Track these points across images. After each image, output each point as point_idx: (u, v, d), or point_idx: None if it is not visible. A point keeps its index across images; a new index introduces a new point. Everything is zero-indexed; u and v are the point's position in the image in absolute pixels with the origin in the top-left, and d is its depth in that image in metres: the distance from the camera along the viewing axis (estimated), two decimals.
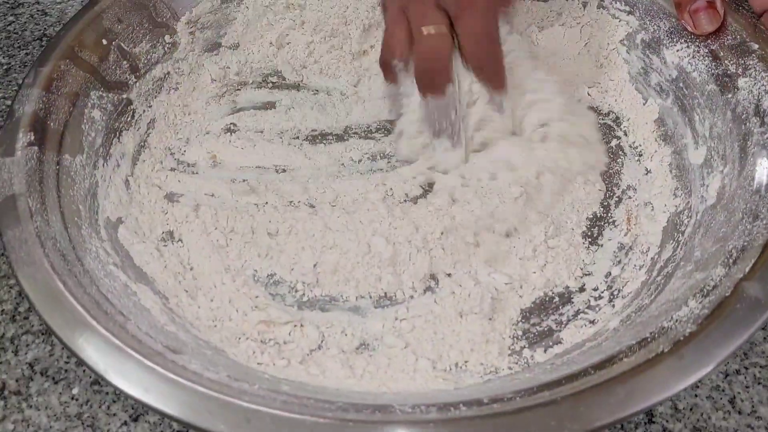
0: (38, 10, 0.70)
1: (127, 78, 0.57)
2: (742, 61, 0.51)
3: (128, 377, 0.37)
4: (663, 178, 0.53)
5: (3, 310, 0.49)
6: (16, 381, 0.45)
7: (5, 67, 0.65)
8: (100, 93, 0.54)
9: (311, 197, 0.53)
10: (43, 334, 0.47)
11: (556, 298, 0.47)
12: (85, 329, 0.39)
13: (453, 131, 0.52)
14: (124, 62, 0.57)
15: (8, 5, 0.70)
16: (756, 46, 0.51)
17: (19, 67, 0.65)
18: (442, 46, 0.50)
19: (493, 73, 0.51)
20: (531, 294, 0.47)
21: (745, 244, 0.41)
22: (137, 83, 0.57)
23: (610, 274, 0.49)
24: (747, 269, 0.39)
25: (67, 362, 0.46)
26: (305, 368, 0.43)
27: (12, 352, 0.47)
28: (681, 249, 0.47)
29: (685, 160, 0.53)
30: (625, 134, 0.57)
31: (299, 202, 0.53)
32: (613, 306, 0.46)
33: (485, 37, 0.50)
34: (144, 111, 0.57)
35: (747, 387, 0.44)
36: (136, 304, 0.44)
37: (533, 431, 0.34)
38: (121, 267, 0.47)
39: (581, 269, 0.49)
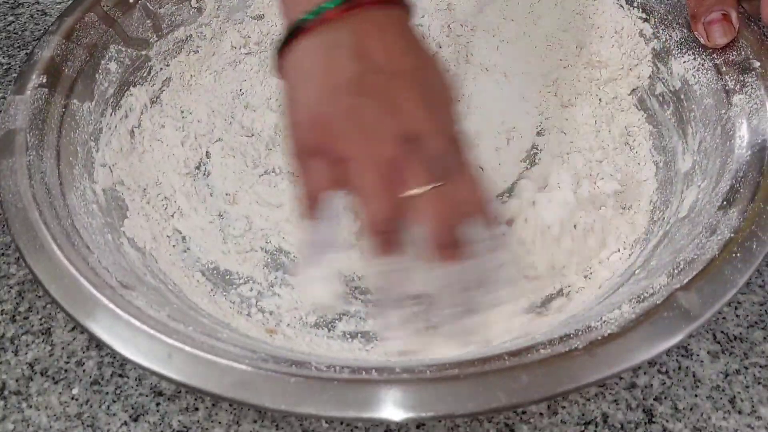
0: (38, 10, 0.71)
1: (148, 36, 0.60)
2: (742, 78, 0.50)
3: (76, 303, 0.40)
4: (649, 189, 0.53)
5: (3, 311, 0.49)
6: (16, 381, 0.45)
7: (5, 67, 0.66)
8: (120, 47, 0.57)
9: None
10: (43, 333, 0.48)
11: None
12: (47, 255, 0.42)
13: None
14: (148, 21, 0.60)
15: (8, 5, 0.71)
16: (757, 64, 0.49)
17: (19, 67, 0.64)
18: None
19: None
20: None
21: (695, 256, 0.41)
22: (158, 42, 0.60)
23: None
24: (686, 280, 0.39)
25: (67, 362, 0.46)
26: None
27: (12, 352, 0.47)
28: (641, 257, 0.46)
29: (672, 171, 0.52)
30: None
31: None
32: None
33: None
34: (161, 69, 0.60)
35: (747, 387, 0.44)
36: (108, 242, 0.47)
37: (431, 402, 0.35)
38: (105, 208, 0.50)
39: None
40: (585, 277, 0.48)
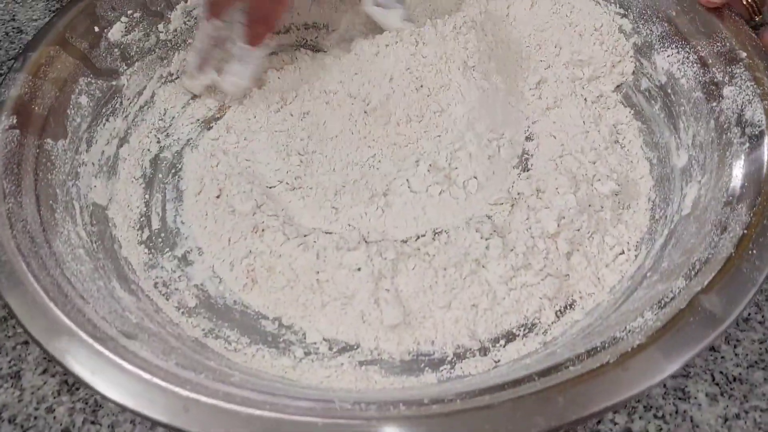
0: (14, 28, 0.67)
1: (117, 65, 0.57)
2: (729, 69, 0.50)
3: (78, 359, 0.37)
4: (645, 186, 0.52)
5: None
6: None
7: None
8: (89, 79, 0.55)
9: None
10: (12, 377, 0.45)
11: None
12: (42, 311, 0.39)
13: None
14: (116, 50, 0.57)
15: None
16: (744, 55, 0.49)
17: None
18: None
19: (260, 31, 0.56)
20: None
21: (709, 256, 0.40)
22: (128, 71, 0.58)
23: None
24: (706, 282, 0.38)
25: (36, 408, 0.44)
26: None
27: None
28: (651, 259, 0.46)
29: (667, 167, 0.52)
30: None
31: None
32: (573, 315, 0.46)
33: None
34: (133, 99, 0.58)
35: None
36: (101, 289, 0.44)
37: None
38: (93, 251, 0.47)
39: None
40: (593, 282, 0.47)
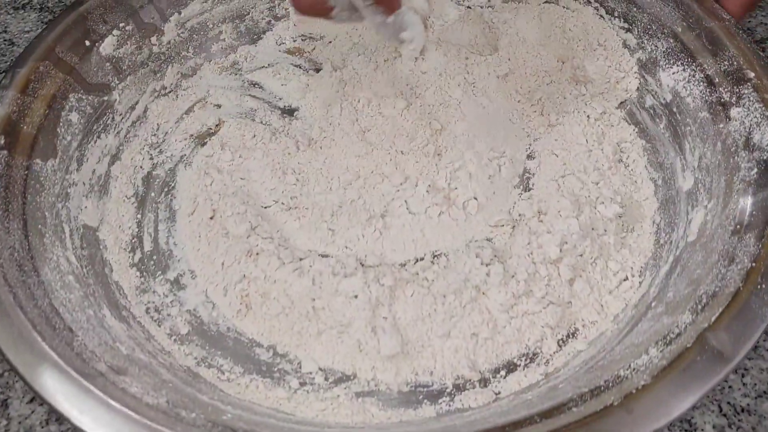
0: (5, 40, 0.65)
1: (109, 80, 0.56)
2: (737, 90, 0.48)
3: (66, 397, 0.36)
4: (650, 208, 0.51)
5: None
6: None
7: None
8: (80, 95, 0.53)
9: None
10: None
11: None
12: (29, 346, 0.38)
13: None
14: (107, 64, 0.56)
15: None
16: (752, 75, 0.48)
17: None
18: None
19: None
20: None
21: (717, 289, 0.39)
22: (120, 85, 0.56)
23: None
24: (713, 318, 0.37)
25: None
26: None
27: None
28: (655, 287, 0.45)
29: (672, 189, 0.50)
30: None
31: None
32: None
33: None
34: (125, 114, 0.57)
35: None
36: (90, 318, 0.43)
37: None
38: (83, 277, 0.46)
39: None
40: (596, 310, 0.46)
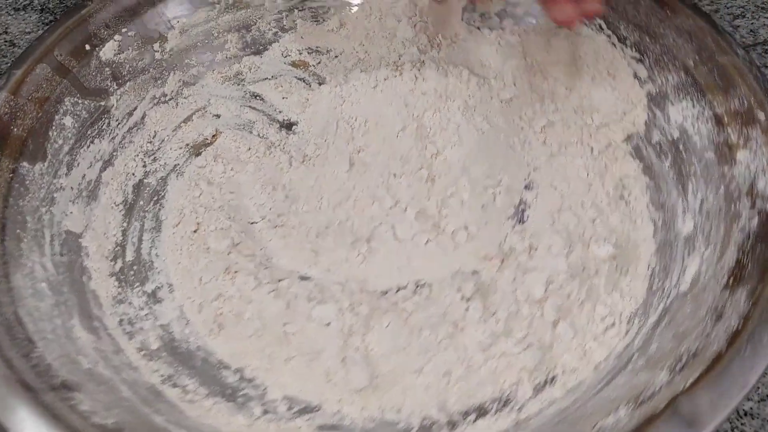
0: (6, 41, 0.66)
1: (107, 85, 0.56)
2: (745, 131, 0.46)
3: (8, 410, 0.36)
4: (647, 251, 0.49)
5: None
6: None
7: None
8: (76, 99, 0.53)
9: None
10: None
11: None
12: None
13: None
14: (107, 69, 0.56)
15: None
16: (762, 116, 0.45)
17: None
18: None
19: None
20: None
21: (699, 348, 0.37)
22: (118, 91, 0.56)
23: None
24: (690, 381, 0.35)
25: None
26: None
27: None
28: (641, 337, 0.43)
29: (671, 233, 0.48)
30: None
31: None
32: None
33: None
34: (122, 120, 0.56)
35: None
36: (57, 328, 0.42)
37: None
38: (57, 284, 0.46)
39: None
40: (578, 356, 0.44)
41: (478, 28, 0.62)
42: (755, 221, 0.42)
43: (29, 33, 0.65)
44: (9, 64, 0.59)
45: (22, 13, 0.66)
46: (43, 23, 0.65)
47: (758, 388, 0.43)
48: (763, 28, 0.62)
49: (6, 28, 0.64)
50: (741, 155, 0.45)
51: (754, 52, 0.56)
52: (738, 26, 0.61)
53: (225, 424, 0.42)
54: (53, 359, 0.40)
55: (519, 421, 0.41)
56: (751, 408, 0.42)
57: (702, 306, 0.40)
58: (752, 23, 0.62)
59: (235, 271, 0.48)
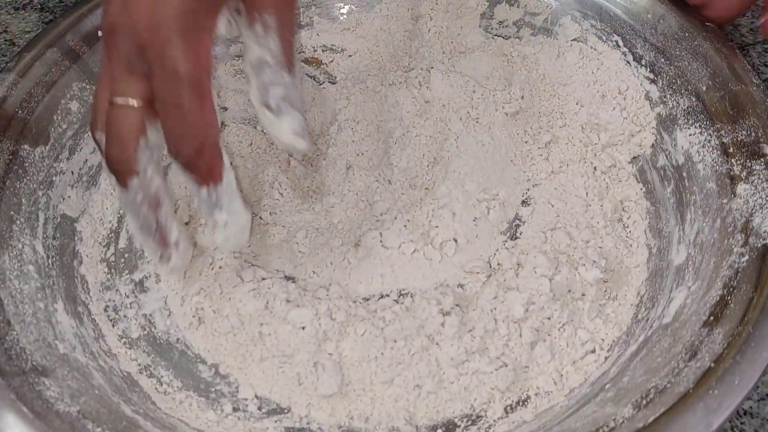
0: (6, 40, 0.64)
1: None
2: (749, 164, 0.44)
3: None
4: (638, 278, 0.47)
5: None
6: None
7: None
8: (83, 85, 0.54)
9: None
10: None
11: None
12: None
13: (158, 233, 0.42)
14: None
15: None
16: (767, 150, 0.44)
17: None
18: (127, 124, 0.38)
19: (202, 165, 0.39)
20: None
21: (667, 385, 0.36)
22: None
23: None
24: (651, 419, 0.34)
25: None
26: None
27: None
28: (618, 366, 0.42)
29: (664, 261, 0.47)
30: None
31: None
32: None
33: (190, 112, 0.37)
34: None
35: None
36: (38, 311, 0.43)
37: None
38: (45, 267, 0.46)
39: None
40: (553, 380, 0.43)
41: (495, 36, 0.61)
42: (745, 259, 0.40)
43: (29, 32, 0.65)
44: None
45: (21, 12, 0.66)
46: (42, 22, 0.65)
47: (758, 387, 0.42)
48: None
49: (6, 27, 0.65)
50: (741, 188, 0.44)
51: (753, 51, 0.54)
52: (738, 25, 0.60)
53: (194, 419, 0.42)
54: (28, 343, 0.40)
55: None
56: (750, 407, 0.41)
57: (678, 342, 0.39)
58: (752, 22, 0.60)
59: (220, 267, 0.48)
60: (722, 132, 0.47)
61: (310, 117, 0.57)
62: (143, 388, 0.44)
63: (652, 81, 0.53)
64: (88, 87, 0.54)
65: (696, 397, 0.34)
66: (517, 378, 0.43)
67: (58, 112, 0.52)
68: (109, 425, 0.37)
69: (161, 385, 0.44)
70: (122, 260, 0.51)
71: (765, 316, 0.37)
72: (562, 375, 0.43)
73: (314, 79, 0.61)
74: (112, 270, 0.50)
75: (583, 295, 0.46)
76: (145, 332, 0.47)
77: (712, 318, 0.38)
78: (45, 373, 0.39)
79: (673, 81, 0.52)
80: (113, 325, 0.47)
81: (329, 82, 0.61)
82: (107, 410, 0.39)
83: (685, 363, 0.37)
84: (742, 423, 0.41)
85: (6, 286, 0.43)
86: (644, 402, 0.36)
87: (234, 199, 0.41)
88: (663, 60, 0.53)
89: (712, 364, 0.36)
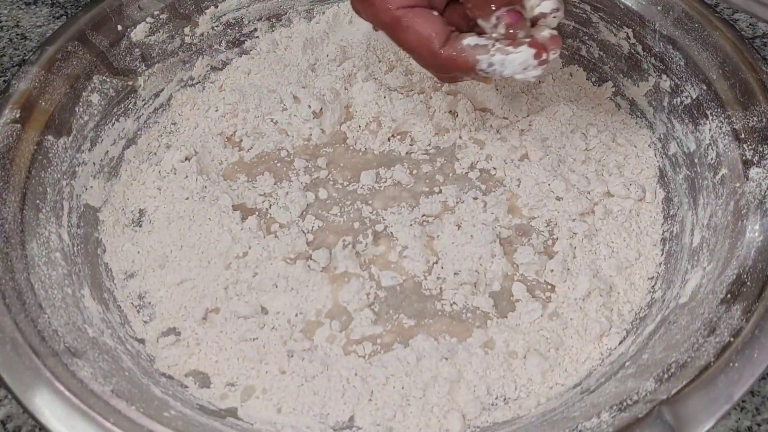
0: (18, 34, 0.65)
1: (136, 66, 0.57)
2: (761, 149, 0.46)
3: (12, 372, 0.37)
4: (653, 260, 0.48)
5: None
6: None
7: None
8: (104, 77, 0.55)
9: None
10: None
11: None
12: None
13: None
14: (136, 50, 0.57)
15: None
16: None
17: None
18: None
19: None
20: None
21: (688, 360, 0.37)
22: (146, 72, 0.58)
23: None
24: (674, 390, 0.35)
25: None
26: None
27: None
28: (636, 346, 0.43)
29: (678, 245, 0.48)
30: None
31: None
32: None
33: None
34: (148, 100, 0.58)
35: None
36: (66, 297, 0.44)
37: None
38: (71, 255, 0.47)
39: None
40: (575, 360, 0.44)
41: None
42: (760, 239, 0.41)
43: (40, 26, 0.66)
44: (22, 56, 0.61)
45: (33, 7, 0.67)
46: (53, 17, 0.66)
47: None
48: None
49: (17, 21, 0.65)
50: (754, 172, 0.45)
51: (752, 45, 0.55)
52: (737, 20, 0.61)
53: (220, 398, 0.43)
54: (59, 326, 0.41)
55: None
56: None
57: (697, 319, 0.40)
58: (751, 17, 0.61)
59: (241, 254, 0.49)
60: (734, 119, 0.48)
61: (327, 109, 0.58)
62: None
63: (663, 71, 0.54)
64: (108, 80, 0.55)
65: (717, 370, 0.35)
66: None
67: (80, 104, 0.53)
68: (141, 404, 0.38)
69: None
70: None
71: None
72: (582, 356, 0.44)
73: None
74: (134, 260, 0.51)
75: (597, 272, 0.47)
76: None
77: (729, 296, 0.39)
78: (77, 355, 0.40)
79: (684, 70, 0.53)
80: (138, 311, 0.48)
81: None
82: (138, 391, 0.40)
83: (705, 338, 0.38)
84: (743, 401, 0.42)
85: (36, 271, 0.44)
86: (666, 376, 0.37)
87: None
88: (673, 50, 0.54)
89: (732, 339, 0.37)
